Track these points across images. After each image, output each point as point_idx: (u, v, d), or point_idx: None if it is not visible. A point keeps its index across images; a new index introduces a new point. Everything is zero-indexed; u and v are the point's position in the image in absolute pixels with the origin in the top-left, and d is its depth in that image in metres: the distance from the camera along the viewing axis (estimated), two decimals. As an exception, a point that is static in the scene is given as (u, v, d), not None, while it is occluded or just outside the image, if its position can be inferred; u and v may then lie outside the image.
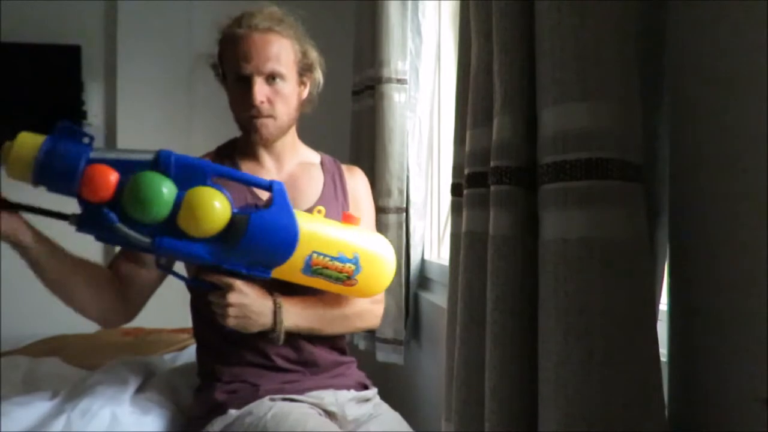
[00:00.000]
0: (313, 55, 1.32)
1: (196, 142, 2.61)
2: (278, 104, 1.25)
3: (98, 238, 1.07)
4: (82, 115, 2.60)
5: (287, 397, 1.22)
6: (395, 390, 1.72)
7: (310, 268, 1.15)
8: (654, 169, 0.73)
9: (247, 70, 1.23)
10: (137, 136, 2.62)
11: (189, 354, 1.71)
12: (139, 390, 1.38)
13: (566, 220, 0.67)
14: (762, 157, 0.59)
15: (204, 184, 1.07)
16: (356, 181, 1.43)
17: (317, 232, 1.16)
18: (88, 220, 1.05)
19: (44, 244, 1.11)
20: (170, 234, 1.06)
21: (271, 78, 1.24)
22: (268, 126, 1.26)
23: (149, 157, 1.05)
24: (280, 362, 1.25)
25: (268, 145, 1.31)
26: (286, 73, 1.26)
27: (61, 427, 1.22)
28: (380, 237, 1.29)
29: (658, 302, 0.72)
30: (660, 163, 0.73)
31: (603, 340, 0.64)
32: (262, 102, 1.23)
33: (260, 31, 1.24)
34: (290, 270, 1.15)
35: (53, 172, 1.01)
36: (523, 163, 0.75)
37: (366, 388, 1.35)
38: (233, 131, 1.36)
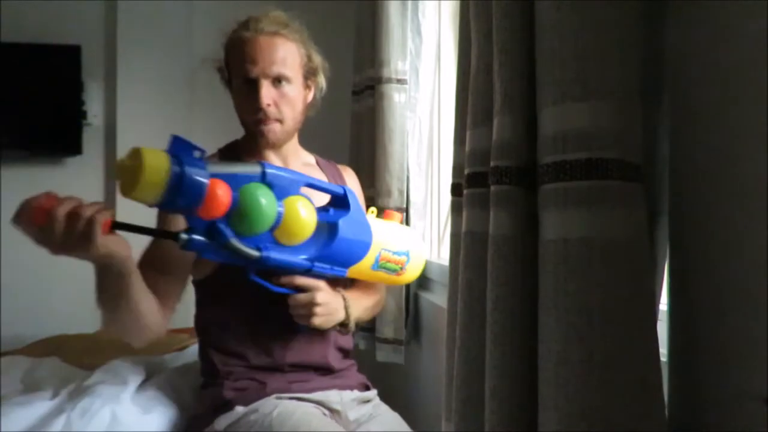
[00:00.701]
0: (318, 59, 1.33)
1: (196, 142, 2.62)
2: (284, 107, 1.26)
3: (204, 255, 1.03)
4: (82, 115, 2.60)
5: (294, 396, 1.24)
6: (395, 390, 1.73)
7: (378, 264, 1.24)
8: (654, 169, 0.73)
9: (253, 72, 1.23)
10: (137, 136, 2.61)
11: (189, 354, 1.71)
12: (139, 389, 1.38)
13: (566, 220, 0.67)
14: (762, 157, 0.59)
15: (297, 193, 1.08)
16: (352, 180, 1.48)
17: (382, 231, 1.26)
18: (199, 238, 0.99)
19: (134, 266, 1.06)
20: (265, 244, 1.06)
21: (277, 81, 1.25)
22: (275, 131, 1.27)
23: (258, 170, 1.04)
24: (288, 365, 1.28)
25: (275, 148, 1.32)
26: (292, 77, 1.26)
27: (60, 427, 1.22)
28: (412, 229, 1.42)
29: (658, 302, 0.72)
30: (660, 163, 0.73)
31: (603, 340, 0.64)
32: (268, 105, 1.24)
33: (266, 34, 1.24)
34: (363, 267, 1.23)
35: (183, 192, 0.93)
36: (523, 163, 0.75)
37: (367, 388, 1.38)
38: (233, 131, 1.36)
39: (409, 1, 1.81)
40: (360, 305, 1.33)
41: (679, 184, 0.71)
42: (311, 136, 1.48)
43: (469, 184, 0.86)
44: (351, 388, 1.33)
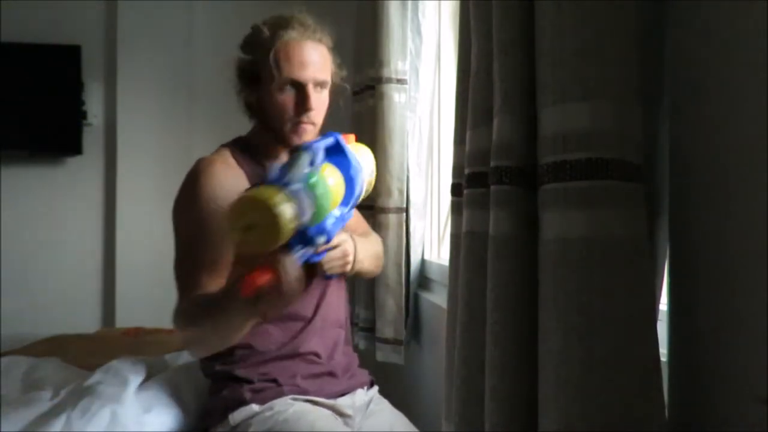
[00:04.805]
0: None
1: (196, 142, 2.62)
2: (321, 112, 1.29)
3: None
4: (82, 115, 2.60)
5: (309, 399, 1.27)
6: (395, 390, 1.73)
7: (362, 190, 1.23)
8: (654, 169, 0.73)
9: (303, 77, 1.24)
10: (137, 136, 2.62)
11: (188, 354, 1.70)
12: (140, 389, 1.38)
13: (566, 220, 0.67)
14: (762, 157, 0.59)
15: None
16: None
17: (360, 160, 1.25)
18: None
19: None
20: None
21: (319, 87, 1.27)
22: (308, 133, 1.28)
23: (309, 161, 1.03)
24: (310, 368, 1.30)
25: None
26: (329, 83, 1.30)
27: (60, 427, 1.22)
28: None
29: (658, 302, 0.72)
30: (660, 163, 0.73)
31: (603, 340, 0.64)
32: (314, 109, 1.26)
33: (313, 40, 1.27)
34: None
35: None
36: (523, 163, 0.75)
37: (372, 384, 1.42)
38: (233, 131, 1.36)
39: (409, 1, 1.81)
40: (366, 249, 1.35)
41: (679, 184, 0.71)
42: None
43: (469, 184, 0.86)
44: (361, 386, 1.37)
